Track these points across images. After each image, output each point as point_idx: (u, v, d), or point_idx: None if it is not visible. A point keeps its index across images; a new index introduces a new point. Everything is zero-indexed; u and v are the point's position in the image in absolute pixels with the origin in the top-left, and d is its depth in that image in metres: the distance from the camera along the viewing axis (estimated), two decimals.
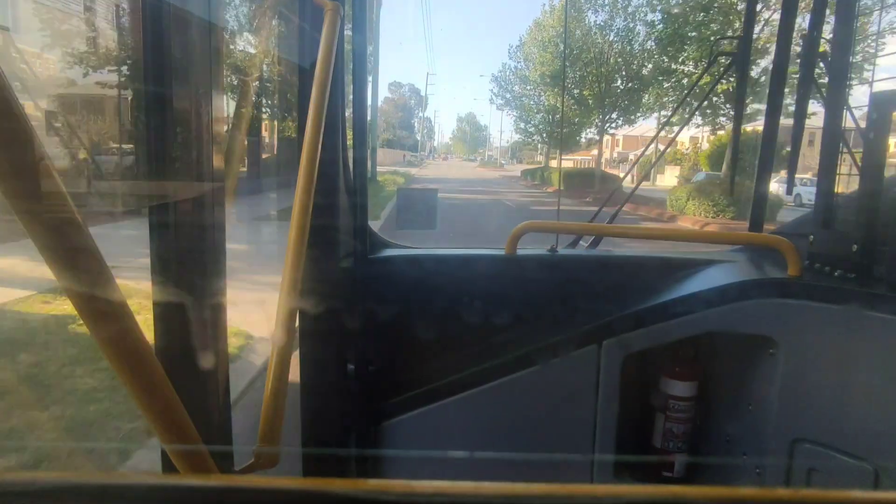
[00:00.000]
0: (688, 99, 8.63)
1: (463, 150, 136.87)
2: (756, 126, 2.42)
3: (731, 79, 2.22)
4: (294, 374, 1.53)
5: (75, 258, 0.62)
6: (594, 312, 1.82)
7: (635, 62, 25.55)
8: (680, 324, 1.70)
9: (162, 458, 0.94)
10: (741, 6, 17.76)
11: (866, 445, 1.47)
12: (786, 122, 2.15)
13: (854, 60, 1.73)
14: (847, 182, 1.74)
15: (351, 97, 1.82)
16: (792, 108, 1.99)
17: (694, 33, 19.90)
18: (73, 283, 0.62)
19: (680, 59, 21.15)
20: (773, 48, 2.00)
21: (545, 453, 1.79)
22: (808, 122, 2.07)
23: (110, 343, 0.67)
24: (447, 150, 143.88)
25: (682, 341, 1.77)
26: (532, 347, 1.80)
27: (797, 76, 1.98)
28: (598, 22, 26.32)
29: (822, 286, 1.58)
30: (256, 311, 4.25)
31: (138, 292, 3.60)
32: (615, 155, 48.25)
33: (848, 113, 1.76)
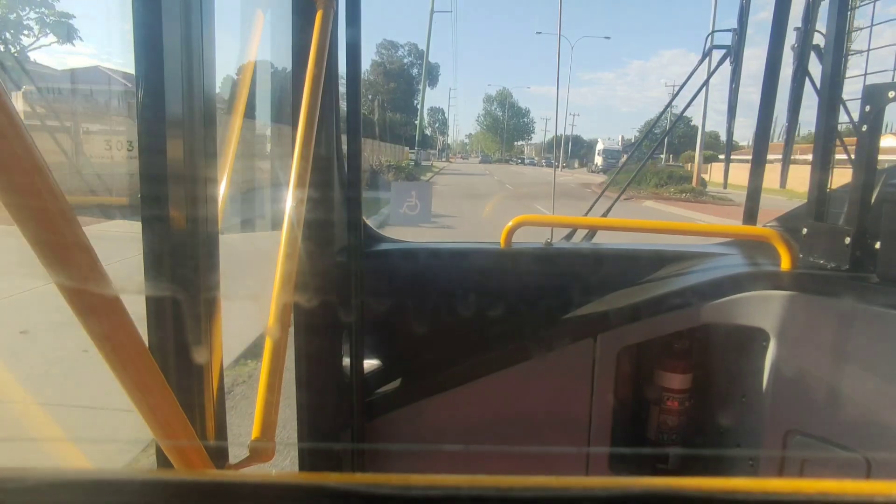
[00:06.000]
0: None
1: (492, 144, 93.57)
2: None
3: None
4: (289, 369, 1.53)
5: (67, 253, 0.61)
6: (589, 305, 1.82)
7: None
8: (674, 316, 1.71)
9: (157, 454, 0.94)
10: None
11: (858, 437, 1.48)
12: None
13: (847, 54, 1.73)
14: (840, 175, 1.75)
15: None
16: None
17: None
18: (65, 278, 0.62)
19: None
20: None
21: (540, 446, 1.80)
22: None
23: (104, 339, 0.67)
24: (462, 148, 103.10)
25: (677, 334, 1.78)
26: (527, 341, 1.80)
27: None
28: None
29: (816, 279, 1.59)
30: None
31: None
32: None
33: (841, 106, 1.76)
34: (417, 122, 47.72)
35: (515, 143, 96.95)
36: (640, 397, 1.93)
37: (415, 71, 67.55)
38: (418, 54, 66.89)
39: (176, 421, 0.79)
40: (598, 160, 48.94)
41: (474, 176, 39.04)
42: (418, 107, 50.69)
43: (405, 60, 68.98)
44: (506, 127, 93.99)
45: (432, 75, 71.43)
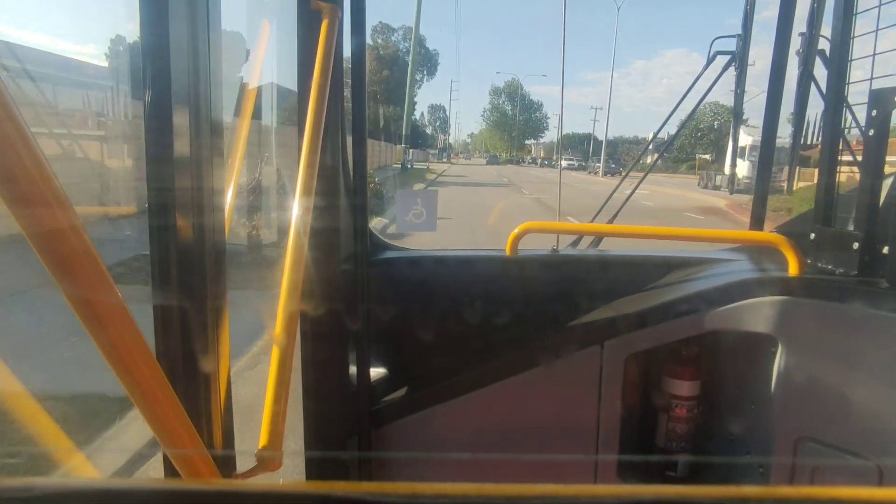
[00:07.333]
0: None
1: (500, 143, 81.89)
2: None
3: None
4: (296, 378, 1.53)
5: (75, 262, 0.62)
6: (596, 312, 1.82)
7: None
8: (682, 323, 1.70)
9: (164, 463, 0.94)
10: None
11: (869, 443, 1.46)
12: None
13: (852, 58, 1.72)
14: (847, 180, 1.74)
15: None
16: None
17: None
18: (72, 287, 0.62)
19: None
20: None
21: (548, 454, 1.79)
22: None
23: (111, 347, 0.67)
24: (464, 148, 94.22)
25: (685, 340, 1.77)
26: (534, 348, 1.79)
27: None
28: None
29: (824, 284, 1.58)
30: None
31: None
32: None
33: (847, 110, 1.75)
34: (405, 109, 35.16)
35: (526, 141, 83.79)
36: (649, 404, 1.92)
37: (409, 57, 50.12)
38: (417, 39, 47.91)
39: (183, 430, 0.79)
40: (744, 167, 24.14)
41: (488, 188, 24.97)
42: (408, 92, 35.83)
43: (401, 46, 54.56)
44: (517, 122, 79.62)
45: (430, 63, 57.07)
